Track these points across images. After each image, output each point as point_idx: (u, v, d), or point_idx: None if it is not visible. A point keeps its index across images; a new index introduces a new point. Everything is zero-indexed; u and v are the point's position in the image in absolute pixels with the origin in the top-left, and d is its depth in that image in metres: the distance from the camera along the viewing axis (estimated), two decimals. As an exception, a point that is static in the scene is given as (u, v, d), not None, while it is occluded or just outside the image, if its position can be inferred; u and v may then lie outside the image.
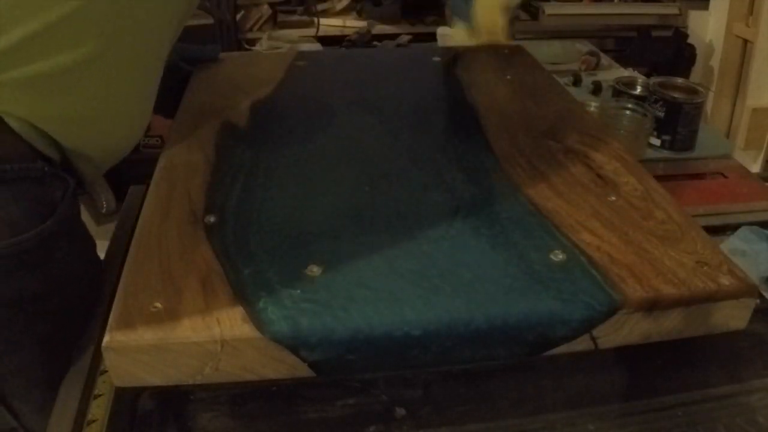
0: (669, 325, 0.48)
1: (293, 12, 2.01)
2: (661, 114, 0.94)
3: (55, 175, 0.57)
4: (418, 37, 1.70)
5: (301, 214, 0.55)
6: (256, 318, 0.44)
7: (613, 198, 0.58)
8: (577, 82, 1.20)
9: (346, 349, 0.44)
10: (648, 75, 1.17)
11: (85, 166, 0.61)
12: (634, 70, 1.30)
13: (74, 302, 0.60)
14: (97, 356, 0.54)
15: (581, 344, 0.47)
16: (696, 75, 1.94)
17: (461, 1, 0.93)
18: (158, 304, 0.45)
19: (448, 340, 0.45)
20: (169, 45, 0.65)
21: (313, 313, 0.45)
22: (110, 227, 0.75)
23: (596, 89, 1.16)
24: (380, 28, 1.87)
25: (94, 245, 0.65)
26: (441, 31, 1.34)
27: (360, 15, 1.94)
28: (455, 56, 0.93)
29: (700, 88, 0.97)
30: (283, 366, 0.45)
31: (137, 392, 0.49)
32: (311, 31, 1.86)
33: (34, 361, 0.58)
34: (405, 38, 1.67)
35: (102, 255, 0.69)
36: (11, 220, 0.53)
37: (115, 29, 0.56)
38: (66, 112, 0.56)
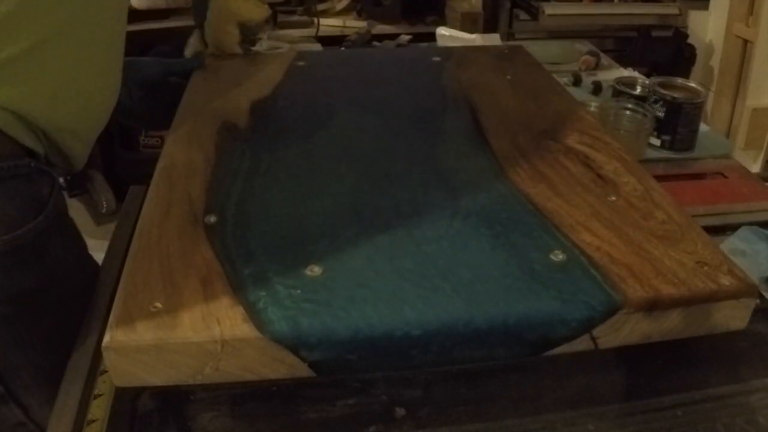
0: (669, 325, 0.48)
1: (293, 12, 2.01)
2: (661, 114, 0.94)
3: (41, 171, 0.58)
4: (418, 37, 1.69)
5: (301, 214, 0.55)
6: (256, 318, 0.44)
7: (613, 198, 0.58)
8: (577, 82, 1.19)
9: (346, 349, 0.44)
10: (648, 75, 1.17)
11: (71, 143, 0.62)
12: (634, 70, 1.30)
13: (71, 296, 0.61)
14: (97, 356, 0.54)
15: (581, 344, 0.47)
16: (696, 75, 1.94)
17: (200, 13, 0.93)
18: (158, 304, 0.45)
19: (448, 340, 0.45)
20: (126, 8, 0.66)
21: (313, 313, 0.45)
22: (110, 227, 0.75)
23: (596, 89, 1.16)
24: (380, 28, 1.87)
25: (83, 240, 0.66)
26: (441, 31, 1.34)
27: (360, 15, 1.94)
28: (455, 56, 0.93)
29: (700, 88, 0.97)
30: (283, 366, 0.45)
31: (137, 392, 0.49)
32: (311, 31, 1.86)
33: (39, 355, 0.59)
34: (405, 38, 1.66)
35: (102, 255, 0.69)
36: (5, 217, 0.54)
37: (70, 5, 0.57)
38: (43, 88, 0.57)
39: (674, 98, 0.93)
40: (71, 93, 0.60)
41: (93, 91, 0.63)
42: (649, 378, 0.50)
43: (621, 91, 1.02)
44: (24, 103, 0.55)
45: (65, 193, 0.63)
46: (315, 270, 0.48)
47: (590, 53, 1.31)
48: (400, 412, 0.47)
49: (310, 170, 0.62)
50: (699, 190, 0.88)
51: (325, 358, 0.45)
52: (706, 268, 0.49)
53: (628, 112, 0.95)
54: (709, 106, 1.87)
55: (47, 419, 0.50)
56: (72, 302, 0.61)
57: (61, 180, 0.65)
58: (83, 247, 0.66)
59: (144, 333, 0.43)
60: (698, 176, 0.92)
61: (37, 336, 0.59)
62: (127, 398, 0.49)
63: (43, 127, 0.58)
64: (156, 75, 0.86)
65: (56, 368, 0.55)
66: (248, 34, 0.94)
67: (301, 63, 0.89)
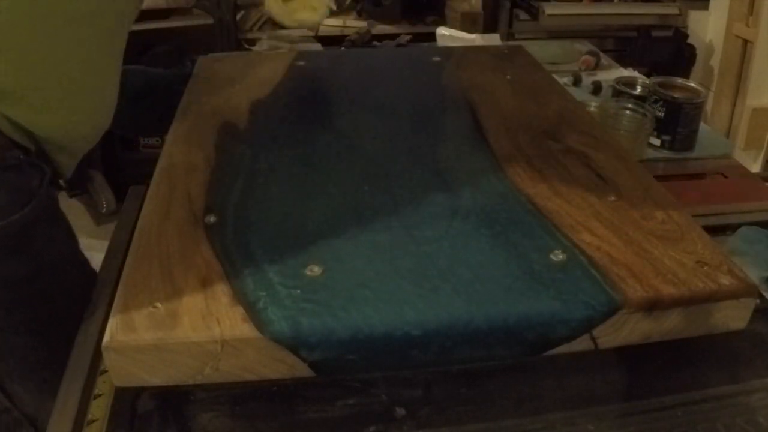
0: (669, 325, 0.48)
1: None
2: (661, 114, 0.94)
3: (31, 163, 0.58)
4: (418, 37, 1.70)
5: (301, 214, 0.55)
6: (256, 318, 0.44)
7: (613, 198, 0.58)
8: (577, 82, 1.19)
9: (346, 349, 0.44)
10: (648, 75, 1.17)
11: (58, 155, 0.63)
12: (634, 70, 1.30)
13: (59, 286, 0.62)
14: (97, 356, 0.54)
15: (581, 344, 0.47)
16: (696, 75, 1.94)
17: None
18: (158, 304, 0.45)
19: (448, 340, 0.45)
20: (124, 34, 0.66)
21: (313, 313, 0.45)
22: (110, 227, 0.75)
23: (596, 89, 1.16)
24: (380, 28, 1.87)
25: (73, 234, 0.67)
26: (441, 31, 1.34)
27: (360, 15, 1.94)
28: (455, 56, 0.93)
29: (700, 88, 0.97)
30: (283, 366, 0.45)
31: (137, 392, 0.49)
32: (311, 31, 1.86)
33: (25, 343, 0.60)
34: (405, 38, 1.66)
35: (102, 255, 0.69)
36: None
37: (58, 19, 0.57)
38: (34, 104, 0.57)
39: (674, 98, 0.93)
40: (62, 110, 0.60)
41: (85, 110, 0.63)
42: (649, 378, 0.50)
43: (621, 91, 1.02)
44: (12, 111, 0.56)
45: (65, 193, 0.63)
46: (315, 270, 0.48)
47: (590, 53, 1.31)
48: (400, 412, 0.47)
49: (310, 170, 0.62)
50: (699, 190, 0.87)
51: (325, 358, 0.45)
52: (706, 268, 0.49)
53: (628, 112, 0.95)
54: (709, 106, 1.87)
55: (33, 407, 0.50)
56: (59, 293, 0.61)
57: (61, 180, 0.65)
58: (73, 240, 0.66)
59: (144, 333, 0.43)
60: (698, 176, 0.92)
61: (23, 325, 0.59)
62: (127, 398, 0.49)
63: (31, 132, 0.58)
64: (139, 85, 0.87)
65: (43, 356, 0.56)
66: None
67: (301, 63, 0.89)
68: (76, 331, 0.57)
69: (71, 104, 0.61)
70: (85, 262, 0.68)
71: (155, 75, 0.88)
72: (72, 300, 0.61)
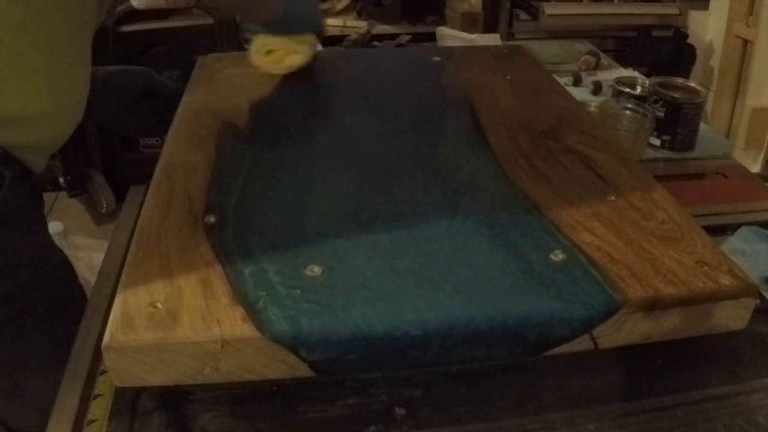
0: (669, 325, 0.48)
1: (293, 12, 2.01)
2: (661, 114, 0.94)
3: None
4: (418, 37, 1.70)
5: (301, 214, 0.55)
6: (256, 318, 0.44)
7: (613, 198, 0.58)
8: (577, 82, 1.19)
9: (346, 349, 0.44)
10: (648, 75, 1.17)
11: (28, 157, 0.62)
12: (634, 70, 1.30)
13: (31, 286, 0.61)
14: (97, 356, 0.54)
15: (581, 344, 0.47)
16: (696, 75, 1.94)
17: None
18: (158, 304, 0.45)
19: (448, 340, 0.45)
20: (87, 41, 0.65)
21: (313, 313, 0.45)
22: (110, 227, 0.75)
23: (596, 89, 1.16)
24: (380, 28, 1.87)
25: (46, 235, 0.66)
26: (441, 31, 1.34)
27: (360, 15, 1.94)
28: (455, 56, 0.93)
29: (700, 88, 0.97)
30: (283, 366, 0.45)
31: (137, 392, 0.48)
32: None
33: None
34: (405, 38, 1.66)
35: (102, 255, 0.69)
36: None
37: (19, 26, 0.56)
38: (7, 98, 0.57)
39: (674, 98, 0.93)
40: (30, 114, 0.59)
41: (54, 114, 0.62)
42: (649, 378, 0.50)
43: (621, 91, 1.02)
44: None
45: (65, 193, 0.63)
46: (315, 270, 0.48)
47: (590, 53, 1.31)
48: (400, 412, 0.47)
49: (310, 170, 0.62)
50: (699, 190, 0.87)
51: (325, 358, 0.45)
52: (706, 268, 0.49)
53: (628, 112, 0.95)
54: (709, 106, 1.87)
55: (3, 408, 0.50)
56: (31, 291, 0.61)
57: (61, 180, 0.65)
58: (45, 241, 0.66)
59: (144, 333, 0.43)
60: (698, 176, 0.92)
61: None
62: (127, 398, 0.49)
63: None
64: (140, 85, 0.86)
65: (17, 355, 0.57)
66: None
67: (301, 63, 0.89)
68: (52, 330, 0.57)
69: (51, 95, 0.60)
70: (59, 260, 0.67)
71: (155, 80, 0.88)
72: (46, 300, 0.61)
